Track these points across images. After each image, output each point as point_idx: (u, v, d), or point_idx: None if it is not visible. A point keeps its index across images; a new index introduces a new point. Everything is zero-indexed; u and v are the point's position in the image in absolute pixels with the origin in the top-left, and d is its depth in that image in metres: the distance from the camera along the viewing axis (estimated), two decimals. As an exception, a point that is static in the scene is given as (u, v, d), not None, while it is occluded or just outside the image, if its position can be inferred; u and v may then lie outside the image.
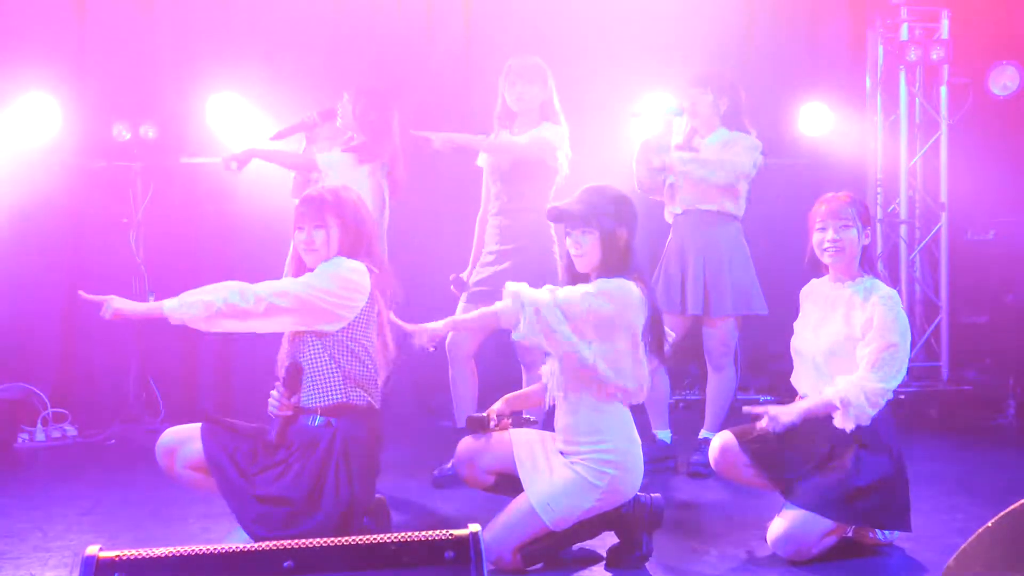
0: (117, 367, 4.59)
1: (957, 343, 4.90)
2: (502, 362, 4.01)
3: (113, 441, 4.34)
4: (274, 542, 1.10)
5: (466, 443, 2.57)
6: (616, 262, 2.47)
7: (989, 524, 1.28)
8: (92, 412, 4.48)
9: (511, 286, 2.42)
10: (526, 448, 2.50)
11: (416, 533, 1.11)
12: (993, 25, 4.79)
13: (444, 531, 1.11)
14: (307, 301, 2.41)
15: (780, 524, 2.53)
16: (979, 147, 5.09)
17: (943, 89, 4.91)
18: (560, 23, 4.68)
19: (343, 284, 2.45)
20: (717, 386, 3.52)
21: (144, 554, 1.09)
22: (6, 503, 3.26)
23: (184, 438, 2.47)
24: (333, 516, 2.34)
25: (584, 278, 2.53)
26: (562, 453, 2.48)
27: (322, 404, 2.47)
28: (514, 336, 2.39)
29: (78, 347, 4.65)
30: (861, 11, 4.93)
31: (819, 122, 4.91)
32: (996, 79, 4.74)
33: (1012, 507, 1.29)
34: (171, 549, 1.10)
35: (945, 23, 4.86)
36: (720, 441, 2.68)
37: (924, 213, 5.00)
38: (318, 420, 2.46)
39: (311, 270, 2.52)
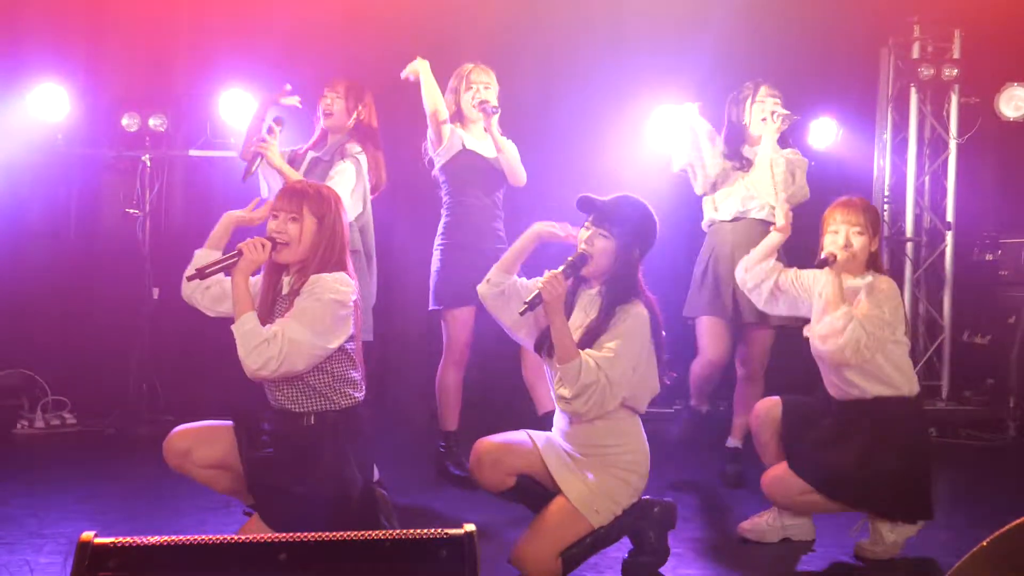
0: (118, 356, 4.59)
1: (959, 363, 4.89)
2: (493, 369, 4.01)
3: (112, 430, 4.35)
4: (269, 534, 1.10)
5: (487, 444, 2.50)
6: (624, 278, 2.45)
7: (984, 543, 1.28)
8: (92, 400, 4.49)
9: (586, 361, 2.34)
10: (552, 451, 2.48)
11: (411, 531, 1.11)
12: (1005, 46, 4.79)
13: (439, 530, 1.11)
14: (319, 358, 2.33)
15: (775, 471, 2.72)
16: (987, 168, 5.08)
17: (953, 108, 4.91)
18: (570, 39, 4.69)
19: (335, 315, 2.34)
20: (752, 396, 3.47)
21: (139, 542, 1.10)
22: (2, 489, 3.26)
23: (200, 440, 2.43)
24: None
25: (583, 279, 2.52)
26: (583, 456, 2.46)
27: (315, 409, 2.40)
28: (563, 407, 2.40)
29: (80, 335, 4.66)
30: (874, 28, 4.93)
31: (827, 137, 4.91)
32: (1007, 100, 4.73)
33: (1008, 527, 1.29)
34: (166, 538, 1.10)
35: (957, 42, 4.86)
36: (770, 403, 2.82)
37: (930, 232, 5.00)
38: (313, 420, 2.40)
39: (284, 267, 2.43)
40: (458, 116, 3.49)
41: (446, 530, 1.10)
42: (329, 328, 2.32)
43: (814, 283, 2.85)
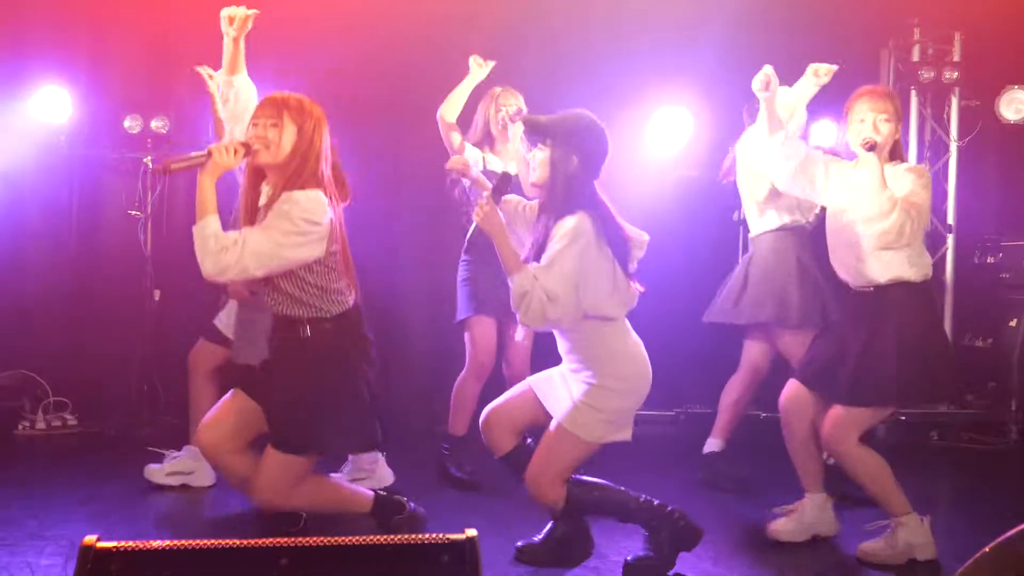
0: (120, 357, 4.59)
1: (960, 366, 4.88)
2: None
3: (113, 432, 4.35)
4: (272, 539, 1.10)
5: (493, 407, 2.64)
6: (563, 187, 2.48)
7: (987, 549, 1.28)
8: (93, 402, 4.49)
9: (523, 276, 2.43)
10: (545, 383, 2.59)
11: (412, 536, 1.11)
12: (1005, 49, 4.79)
13: (440, 535, 1.11)
14: (279, 267, 2.40)
15: (829, 418, 2.71)
16: (988, 170, 5.08)
17: (954, 111, 4.91)
18: (572, 42, 4.70)
19: (305, 232, 2.38)
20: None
21: (141, 546, 1.10)
22: (3, 490, 3.27)
23: (233, 423, 2.51)
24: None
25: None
26: (573, 372, 2.55)
27: (307, 315, 2.47)
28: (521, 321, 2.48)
29: (81, 336, 4.66)
30: (874, 30, 4.93)
31: (828, 138, 4.91)
32: (1007, 103, 4.73)
33: (1010, 533, 1.28)
34: (168, 543, 1.10)
35: (957, 45, 4.86)
36: (793, 386, 2.83)
37: (931, 235, 4.99)
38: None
39: (263, 174, 2.49)
40: (486, 138, 3.55)
41: (447, 535, 1.10)
42: (294, 244, 2.37)
43: (828, 170, 2.84)
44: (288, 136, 2.44)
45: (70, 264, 4.69)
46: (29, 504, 3.09)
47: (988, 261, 4.87)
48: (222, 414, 2.52)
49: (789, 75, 4.70)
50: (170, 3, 4.69)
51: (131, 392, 4.55)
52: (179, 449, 3.43)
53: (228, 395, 2.56)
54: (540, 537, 2.64)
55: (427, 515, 2.71)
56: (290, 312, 2.47)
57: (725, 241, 5.04)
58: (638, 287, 2.53)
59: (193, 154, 2.45)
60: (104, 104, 4.66)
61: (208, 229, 2.36)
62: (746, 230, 5.01)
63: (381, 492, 2.66)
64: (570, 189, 2.46)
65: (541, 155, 2.51)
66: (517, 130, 3.43)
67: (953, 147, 4.92)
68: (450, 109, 3.49)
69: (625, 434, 2.52)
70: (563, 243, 2.41)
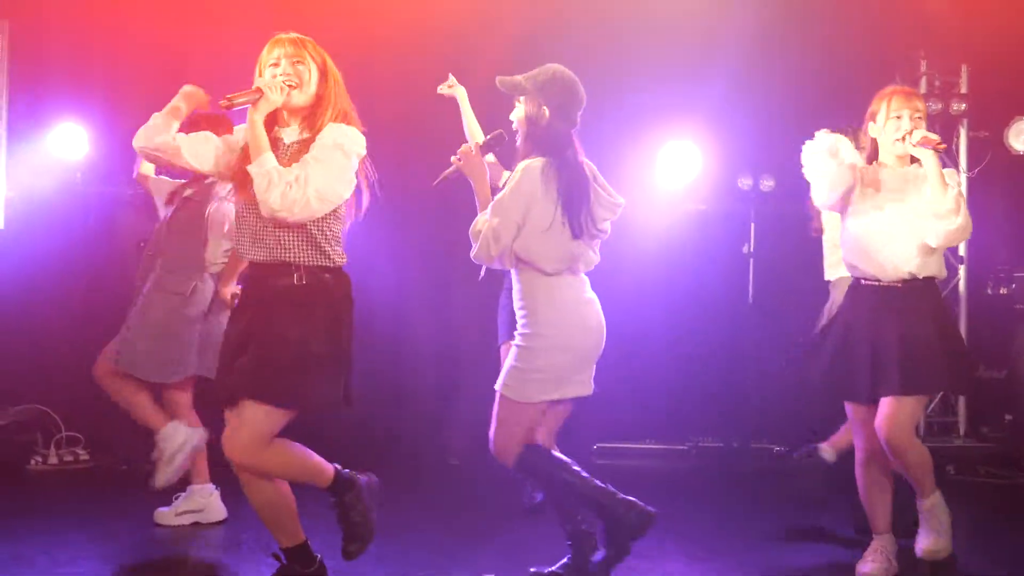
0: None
1: (975, 398, 4.84)
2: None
3: (125, 467, 4.35)
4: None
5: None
6: (532, 135, 2.56)
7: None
8: (105, 436, 4.50)
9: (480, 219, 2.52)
10: None
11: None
12: (1013, 80, 4.80)
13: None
14: (331, 206, 2.29)
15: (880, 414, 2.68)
16: (998, 201, 5.07)
17: (963, 143, 4.92)
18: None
19: (354, 167, 2.31)
20: None
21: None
22: (16, 526, 3.27)
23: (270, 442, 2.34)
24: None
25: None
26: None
27: (308, 263, 2.32)
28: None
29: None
30: (881, 63, 4.95)
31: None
32: (1016, 134, 4.74)
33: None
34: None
35: (965, 77, 4.88)
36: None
37: (942, 265, 4.98)
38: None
39: (275, 117, 2.35)
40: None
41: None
42: (348, 180, 2.30)
43: (857, 176, 2.82)
44: (313, 74, 2.33)
45: (84, 299, 4.74)
46: (41, 540, 3.09)
47: (1001, 292, 4.84)
48: (232, 425, 2.34)
49: (795, 110, 4.75)
50: (184, 43, 4.79)
51: (142, 427, 4.55)
52: (184, 489, 3.42)
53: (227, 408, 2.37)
54: (554, 568, 2.62)
55: (380, 482, 2.54)
56: (291, 258, 2.29)
57: (735, 274, 5.03)
58: (592, 251, 2.56)
59: (248, 92, 2.33)
60: (119, 141, 4.73)
61: (268, 164, 2.22)
62: (756, 264, 5.04)
63: (340, 468, 2.47)
64: (541, 137, 2.54)
65: (519, 109, 2.60)
66: None
67: (963, 178, 4.92)
68: (475, 134, 3.47)
69: (563, 391, 2.49)
70: (510, 183, 2.50)
